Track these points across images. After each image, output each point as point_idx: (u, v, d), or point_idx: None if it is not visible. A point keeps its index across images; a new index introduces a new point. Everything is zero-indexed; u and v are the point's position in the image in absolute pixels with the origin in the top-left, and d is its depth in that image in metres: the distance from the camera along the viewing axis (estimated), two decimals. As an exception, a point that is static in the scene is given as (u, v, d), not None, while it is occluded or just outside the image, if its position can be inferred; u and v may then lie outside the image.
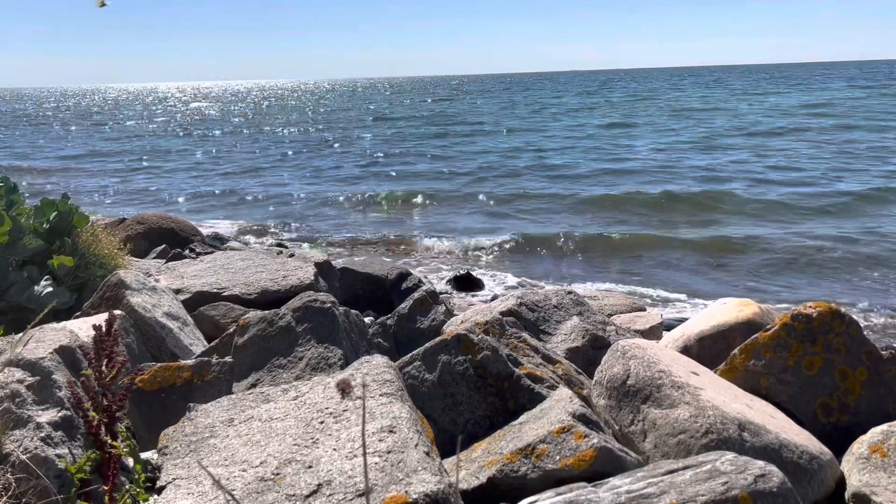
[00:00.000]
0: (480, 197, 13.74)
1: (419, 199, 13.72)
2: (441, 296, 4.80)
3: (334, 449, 1.81)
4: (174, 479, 1.83)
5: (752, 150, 18.86)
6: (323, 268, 5.07)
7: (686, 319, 4.27)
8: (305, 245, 10.34)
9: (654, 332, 4.70)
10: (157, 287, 3.71)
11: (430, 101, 61.06)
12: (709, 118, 29.94)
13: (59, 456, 1.82)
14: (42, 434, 1.84)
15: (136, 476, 1.85)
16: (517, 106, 45.74)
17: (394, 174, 17.51)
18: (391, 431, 1.83)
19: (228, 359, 2.81)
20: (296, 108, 55.05)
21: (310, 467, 1.75)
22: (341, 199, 14.09)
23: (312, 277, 4.53)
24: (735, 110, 34.01)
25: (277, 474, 1.75)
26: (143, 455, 2.16)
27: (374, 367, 2.17)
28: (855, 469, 2.21)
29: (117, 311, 3.06)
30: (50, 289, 3.85)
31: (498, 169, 17.24)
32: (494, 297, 6.70)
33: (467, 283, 8.14)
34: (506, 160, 18.75)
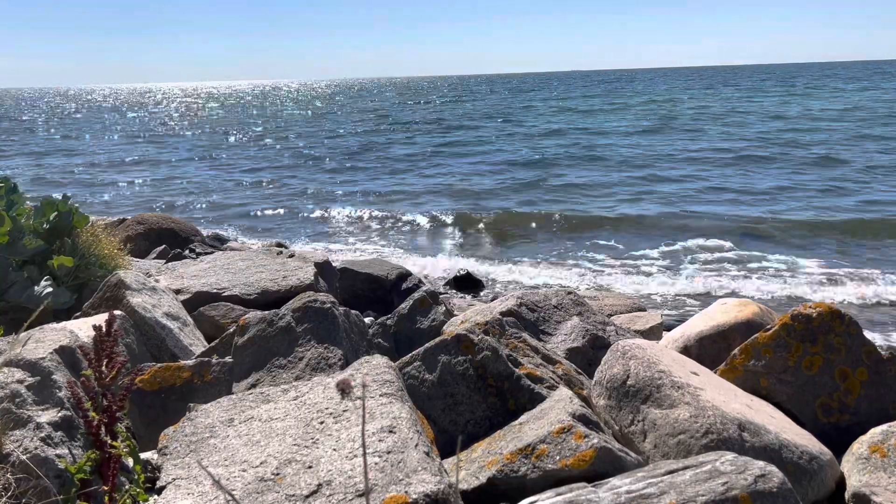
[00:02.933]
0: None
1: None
2: (441, 296, 4.80)
3: (334, 449, 1.81)
4: (174, 480, 1.83)
5: None
6: (323, 268, 5.07)
7: (686, 319, 4.27)
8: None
9: (653, 333, 4.71)
10: (157, 287, 3.71)
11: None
12: None
13: (59, 456, 1.82)
14: (42, 434, 1.84)
15: (136, 476, 1.85)
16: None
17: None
18: (391, 432, 1.83)
19: (228, 359, 2.81)
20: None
21: (310, 467, 1.75)
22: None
23: (312, 278, 4.53)
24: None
25: (277, 474, 1.75)
26: (143, 455, 2.16)
27: (374, 368, 2.17)
28: (855, 469, 2.21)
29: (117, 312, 3.06)
30: (50, 289, 3.85)
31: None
32: (494, 297, 6.71)
33: (467, 283, 8.15)
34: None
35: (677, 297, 8.01)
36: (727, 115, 32.60)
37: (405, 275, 5.88)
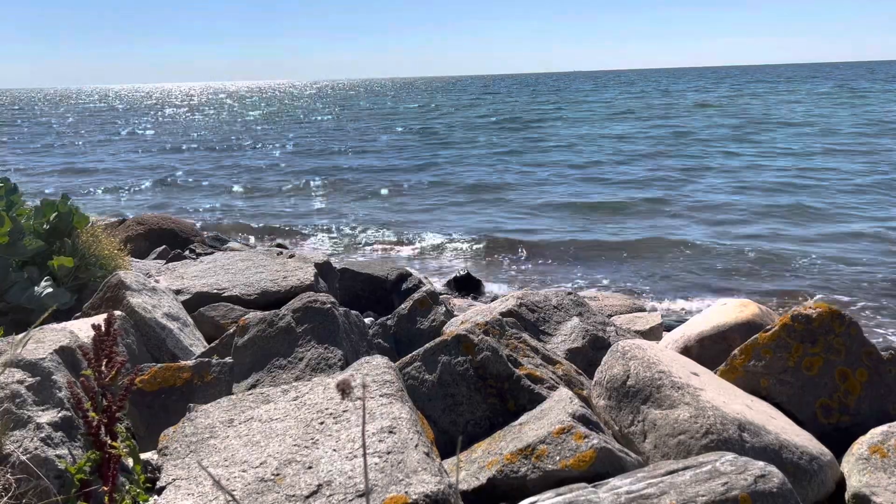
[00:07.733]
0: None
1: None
2: (441, 296, 4.80)
3: (334, 450, 1.81)
4: (174, 480, 1.83)
5: None
6: (323, 268, 5.07)
7: (686, 320, 4.27)
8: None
9: (653, 333, 4.70)
10: (157, 288, 3.71)
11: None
12: None
13: (59, 456, 1.82)
14: (42, 434, 1.84)
15: (136, 477, 1.85)
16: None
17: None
18: (391, 432, 1.83)
19: (228, 359, 2.81)
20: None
21: (310, 468, 1.75)
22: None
23: (312, 278, 4.53)
24: None
25: (277, 475, 1.75)
26: (144, 456, 2.16)
27: (374, 368, 2.17)
28: (855, 470, 2.21)
29: (117, 312, 3.06)
30: (50, 289, 3.85)
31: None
32: (494, 298, 6.70)
33: (467, 284, 8.14)
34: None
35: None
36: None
37: (405, 275, 5.88)
